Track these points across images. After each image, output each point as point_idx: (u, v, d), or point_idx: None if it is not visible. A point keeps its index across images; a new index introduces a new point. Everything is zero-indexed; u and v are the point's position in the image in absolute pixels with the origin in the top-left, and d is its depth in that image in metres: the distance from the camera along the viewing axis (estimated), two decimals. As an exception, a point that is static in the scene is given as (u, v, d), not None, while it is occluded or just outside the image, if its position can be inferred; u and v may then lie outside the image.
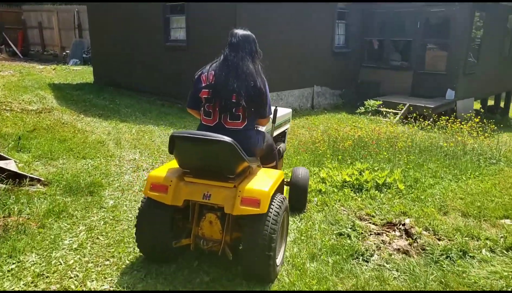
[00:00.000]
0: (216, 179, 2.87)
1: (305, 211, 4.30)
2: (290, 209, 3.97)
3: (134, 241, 3.20)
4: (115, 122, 8.27)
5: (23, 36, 21.93)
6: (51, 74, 15.61)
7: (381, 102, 10.74)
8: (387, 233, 3.73)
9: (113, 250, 3.39)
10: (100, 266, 3.17)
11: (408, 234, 3.66)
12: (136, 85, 11.92)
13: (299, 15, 10.51)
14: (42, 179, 4.77)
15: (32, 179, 4.61)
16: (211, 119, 3.00)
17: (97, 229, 3.79)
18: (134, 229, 3.16)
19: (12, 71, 15.00)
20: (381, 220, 4.00)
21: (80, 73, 16.11)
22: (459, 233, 3.72)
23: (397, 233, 3.70)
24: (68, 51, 19.63)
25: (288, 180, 4.15)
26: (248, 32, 3.09)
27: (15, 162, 5.14)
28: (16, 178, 4.49)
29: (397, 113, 10.19)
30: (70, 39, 19.88)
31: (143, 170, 5.54)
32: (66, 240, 3.54)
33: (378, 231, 3.78)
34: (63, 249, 3.38)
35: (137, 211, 3.08)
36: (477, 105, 13.11)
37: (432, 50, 11.91)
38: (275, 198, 2.92)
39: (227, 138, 2.64)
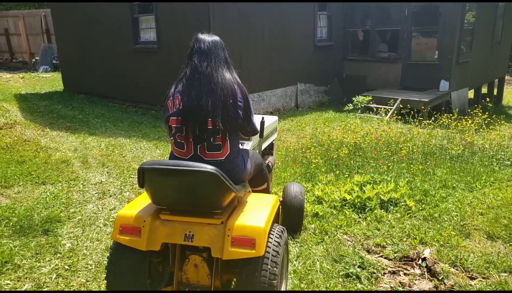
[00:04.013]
0: (199, 215, 2.36)
1: (299, 234, 3.71)
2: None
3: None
4: (83, 136, 7.51)
5: (-11, 45, 20.79)
6: (19, 83, 14.76)
7: (370, 98, 10.07)
8: (405, 270, 3.04)
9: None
10: None
11: (431, 272, 2.97)
12: (107, 91, 11.14)
13: (278, 9, 9.75)
14: (-13, 217, 4.04)
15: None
16: (184, 151, 2.44)
17: (46, 287, 3.08)
18: (102, 278, 2.67)
19: (-24, 83, 14.14)
20: (395, 252, 3.30)
21: (50, 81, 15.25)
22: (493, 266, 3.05)
23: (417, 271, 3.01)
24: (37, 58, 18.62)
25: (280, 198, 3.56)
26: (217, 37, 2.52)
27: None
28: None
29: (388, 110, 9.54)
30: (39, 45, 18.86)
31: (110, 196, 4.83)
32: (3, 308, 2.80)
33: (393, 268, 3.08)
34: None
35: (107, 259, 2.51)
36: (470, 95, 12.58)
37: (422, 39, 11.26)
38: (273, 232, 2.40)
39: (209, 168, 2.15)
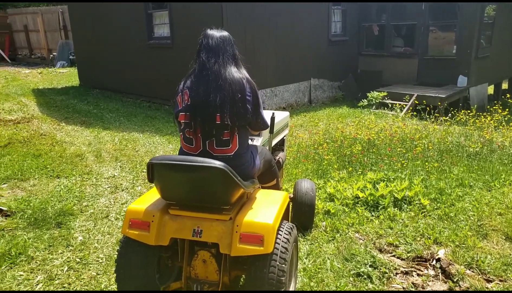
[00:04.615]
0: (207, 211, 2.37)
1: (310, 231, 3.66)
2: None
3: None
4: (98, 130, 7.59)
5: (10, 41, 21.07)
6: (37, 78, 15.02)
7: (385, 93, 9.90)
8: (418, 271, 2.97)
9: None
10: None
11: (445, 273, 2.89)
12: (122, 86, 11.22)
13: (291, 4, 9.63)
14: (4, 209, 4.14)
15: (-9, 210, 3.97)
16: (193, 147, 2.45)
17: (58, 279, 3.11)
18: (112, 272, 2.66)
19: (-3, 77, 14.40)
20: (408, 252, 3.22)
21: (67, 76, 15.46)
22: (511, 269, 2.95)
23: (431, 272, 2.93)
24: (55, 54, 18.90)
25: (291, 195, 3.54)
26: (226, 33, 2.49)
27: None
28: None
29: (403, 106, 9.38)
30: (56, 41, 19.13)
31: (122, 190, 4.86)
32: (16, 299, 2.83)
33: (406, 269, 3.01)
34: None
35: (116, 253, 2.53)
36: (490, 91, 12.28)
37: (440, 33, 11.02)
38: (281, 229, 2.38)
39: (218, 163, 2.16)
